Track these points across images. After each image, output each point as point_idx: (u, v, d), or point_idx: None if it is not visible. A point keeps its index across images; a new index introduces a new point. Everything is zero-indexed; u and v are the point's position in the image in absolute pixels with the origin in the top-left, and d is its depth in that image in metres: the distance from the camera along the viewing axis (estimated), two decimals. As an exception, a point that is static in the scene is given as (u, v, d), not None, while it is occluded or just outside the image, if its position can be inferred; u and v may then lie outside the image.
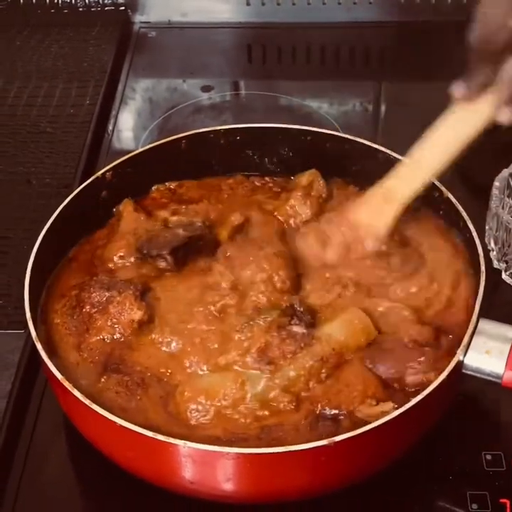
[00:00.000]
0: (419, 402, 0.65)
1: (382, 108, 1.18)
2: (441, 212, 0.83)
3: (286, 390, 0.69)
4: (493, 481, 0.72)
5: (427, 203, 0.83)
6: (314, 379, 0.69)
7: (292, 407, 0.68)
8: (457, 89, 0.72)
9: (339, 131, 1.00)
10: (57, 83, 1.20)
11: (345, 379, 0.69)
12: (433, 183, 0.82)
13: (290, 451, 0.62)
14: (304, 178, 0.87)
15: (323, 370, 0.69)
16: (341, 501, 0.70)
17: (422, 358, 0.69)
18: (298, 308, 0.72)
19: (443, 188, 0.82)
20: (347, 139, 0.88)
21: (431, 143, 0.76)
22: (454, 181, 0.85)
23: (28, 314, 0.72)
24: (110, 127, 1.13)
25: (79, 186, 0.84)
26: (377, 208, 0.78)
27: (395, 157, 0.84)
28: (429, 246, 0.81)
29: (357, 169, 0.87)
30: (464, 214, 0.79)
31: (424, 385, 0.67)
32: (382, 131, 1.14)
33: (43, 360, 0.69)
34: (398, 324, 0.73)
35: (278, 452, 0.62)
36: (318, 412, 0.68)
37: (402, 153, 0.84)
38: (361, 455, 0.66)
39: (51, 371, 0.68)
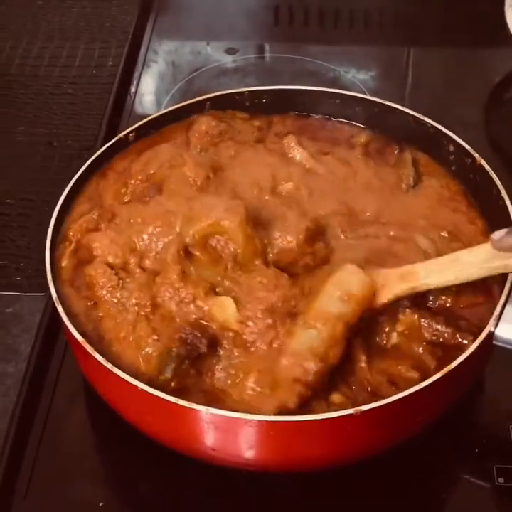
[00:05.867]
0: (447, 373, 0.63)
1: (411, 73, 1.15)
2: (471, 179, 0.80)
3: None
4: (521, 454, 0.71)
5: (457, 169, 0.81)
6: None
7: None
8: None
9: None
10: (79, 44, 1.18)
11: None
12: (465, 150, 0.80)
13: (315, 419, 0.61)
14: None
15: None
16: (363, 473, 0.69)
17: None
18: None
19: (476, 155, 0.79)
20: (377, 102, 0.86)
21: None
22: (485, 150, 0.83)
23: (49, 276, 0.71)
24: (133, 89, 1.11)
25: (101, 148, 0.83)
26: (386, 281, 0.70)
27: (425, 121, 0.82)
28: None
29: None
30: (498, 181, 0.76)
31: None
32: (410, 97, 1.11)
33: (63, 322, 0.68)
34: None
35: (302, 420, 0.61)
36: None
37: (431, 117, 0.83)
38: (387, 425, 0.65)
39: (72, 334, 0.67)
